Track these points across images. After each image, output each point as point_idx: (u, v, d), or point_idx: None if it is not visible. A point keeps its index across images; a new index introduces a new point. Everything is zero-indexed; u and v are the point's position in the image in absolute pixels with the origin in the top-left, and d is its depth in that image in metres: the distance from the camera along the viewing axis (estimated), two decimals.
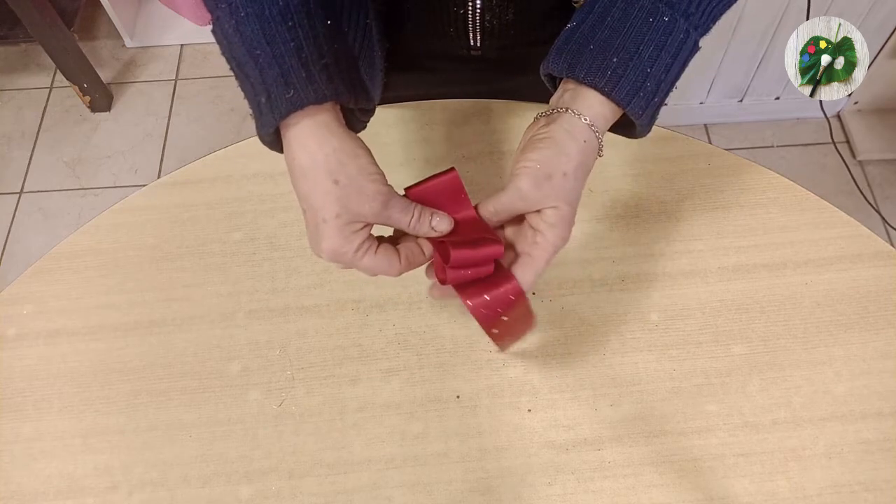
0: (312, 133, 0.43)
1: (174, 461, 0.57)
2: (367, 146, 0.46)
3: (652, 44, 0.46)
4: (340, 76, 0.44)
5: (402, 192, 0.48)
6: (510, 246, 0.49)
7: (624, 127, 0.49)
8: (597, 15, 0.47)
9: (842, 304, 0.62)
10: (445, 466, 0.56)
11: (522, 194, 0.45)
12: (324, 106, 0.44)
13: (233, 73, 0.45)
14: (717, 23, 0.49)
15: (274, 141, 0.46)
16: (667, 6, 0.46)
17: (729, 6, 0.49)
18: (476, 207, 0.49)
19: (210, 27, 0.45)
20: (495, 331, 0.51)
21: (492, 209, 0.47)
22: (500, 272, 0.47)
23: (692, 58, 0.48)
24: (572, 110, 0.46)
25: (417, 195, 0.48)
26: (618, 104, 0.46)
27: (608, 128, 0.48)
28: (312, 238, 0.45)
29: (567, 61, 0.47)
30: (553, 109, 0.47)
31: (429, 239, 0.48)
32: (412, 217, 0.46)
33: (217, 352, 0.62)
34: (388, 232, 0.49)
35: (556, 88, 0.50)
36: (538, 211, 0.46)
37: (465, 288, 0.47)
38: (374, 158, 0.45)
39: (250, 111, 0.45)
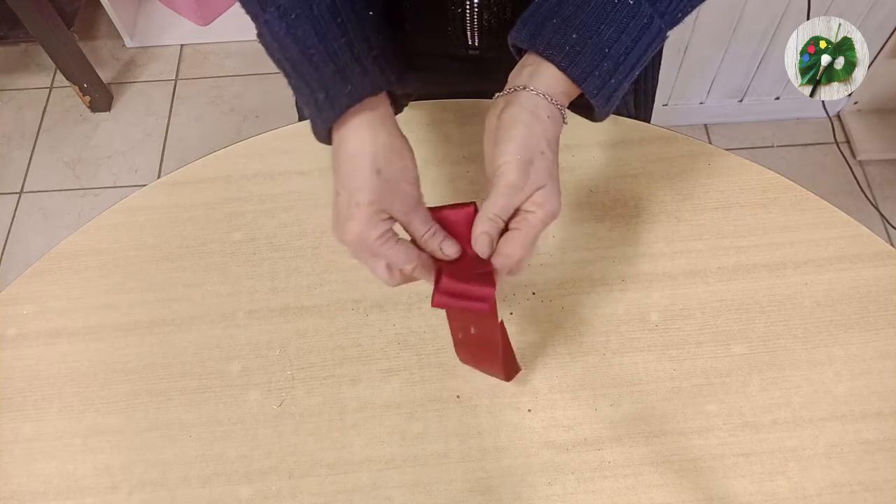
0: (368, 124, 0.45)
1: (174, 461, 0.57)
2: (412, 149, 0.48)
3: (613, 25, 0.46)
4: (389, 65, 0.46)
5: None
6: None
7: (585, 108, 0.50)
8: None
9: (842, 304, 0.62)
10: (445, 466, 0.56)
11: (515, 187, 0.46)
12: (379, 97, 0.46)
13: (284, 74, 0.47)
14: (687, 16, 0.49)
15: (328, 137, 0.47)
16: None
17: (697, 3, 0.49)
18: (477, 215, 0.48)
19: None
20: (460, 335, 0.52)
21: (494, 213, 0.47)
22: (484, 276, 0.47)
23: (657, 45, 0.48)
24: (529, 88, 0.47)
25: (438, 216, 0.49)
26: (574, 81, 0.47)
27: (566, 101, 0.48)
28: (339, 220, 0.46)
29: (530, 32, 0.48)
30: (511, 88, 0.48)
31: (432, 259, 0.49)
32: (428, 231, 0.47)
33: (217, 352, 0.62)
34: None
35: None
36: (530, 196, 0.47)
37: (443, 276, 0.48)
38: (416, 163, 0.47)
39: (306, 110, 0.47)
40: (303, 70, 0.45)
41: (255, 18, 0.47)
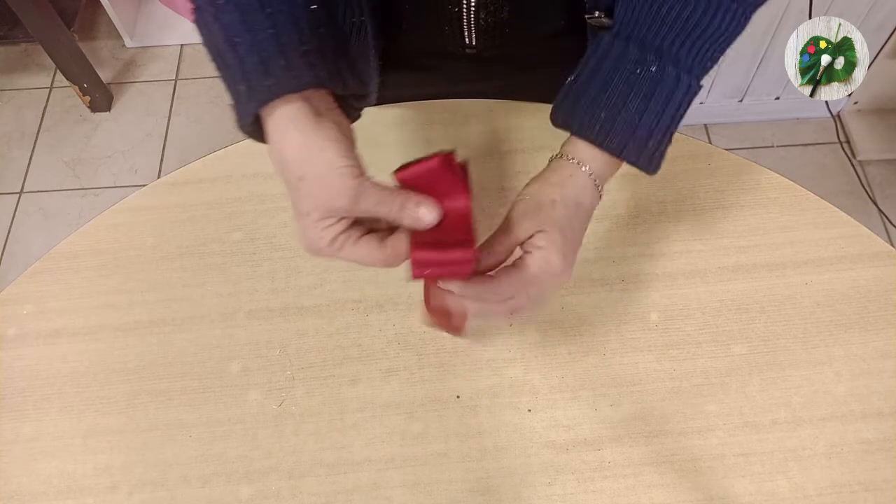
0: (280, 125, 0.42)
1: (174, 461, 0.57)
2: (342, 135, 0.43)
3: (640, 95, 0.47)
4: (324, 62, 0.43)
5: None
6: None
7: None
8: (590, 69, 0.49)
9: (842, 304, 0.62)
10: (445, 466, 0.56)
11: (514, 223, 0.47)
12: (304, 94, 0.42)
13: (214, 64, 0.44)
14: (716, 63, 0.50)
15: (255, 131, 0.44)
16: (655, 55, 0.46)
17: (725, 48, 0.49)
18: (481, 249, 0.47)
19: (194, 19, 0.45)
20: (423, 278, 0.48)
21: (494, 248, 0.47)
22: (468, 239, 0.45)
23: (691, 99, 0.49)
24: (559, 155, 0.49)
25: (407, 178, 0.45)
26: (611, 154, 0.48)
27: (608, 170, 0.49)
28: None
29: (563, 116, 0.49)
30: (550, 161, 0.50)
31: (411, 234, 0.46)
32: (390, 209, 0.44)
33: (217, 352, 0.62)
34: None
35: None
36: (530, 237, 0.47)
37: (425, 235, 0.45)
38: (346, 148, 0.43)
39: (231, 101, 0.44)
40: (228, 59, 0.42)
41: (192, 2, 0.45)
